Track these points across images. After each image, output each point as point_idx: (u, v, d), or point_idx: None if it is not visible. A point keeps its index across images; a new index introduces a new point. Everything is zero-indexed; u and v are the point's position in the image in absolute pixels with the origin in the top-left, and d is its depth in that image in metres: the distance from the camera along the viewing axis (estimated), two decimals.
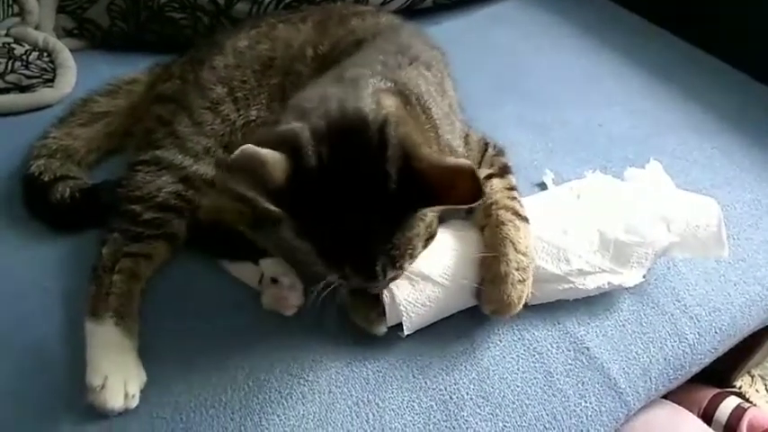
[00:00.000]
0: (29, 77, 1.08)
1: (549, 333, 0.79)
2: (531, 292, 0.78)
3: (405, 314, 0.74)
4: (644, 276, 0.81)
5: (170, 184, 0.82)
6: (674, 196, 0.86)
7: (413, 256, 0.67)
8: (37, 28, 1.17)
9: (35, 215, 0.88)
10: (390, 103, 0.67)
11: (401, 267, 0.67)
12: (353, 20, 0.93)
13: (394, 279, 0.71)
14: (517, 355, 0.77)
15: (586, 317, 0.81)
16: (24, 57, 1.09)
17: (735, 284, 0.86)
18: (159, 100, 0.92)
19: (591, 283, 0.80)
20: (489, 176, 0.81)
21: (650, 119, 1.08)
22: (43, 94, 1.06)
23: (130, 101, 0.97)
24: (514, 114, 1.09)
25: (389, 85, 0.72)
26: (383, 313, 0.75)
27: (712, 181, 0.96)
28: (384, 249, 0.63)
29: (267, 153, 0.60)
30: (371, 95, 0.67)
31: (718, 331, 0.83)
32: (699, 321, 0.83)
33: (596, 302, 0.82)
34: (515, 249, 0.74)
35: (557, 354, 0.78)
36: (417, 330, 0.76)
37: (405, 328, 0.75)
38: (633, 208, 0.82)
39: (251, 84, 0.88)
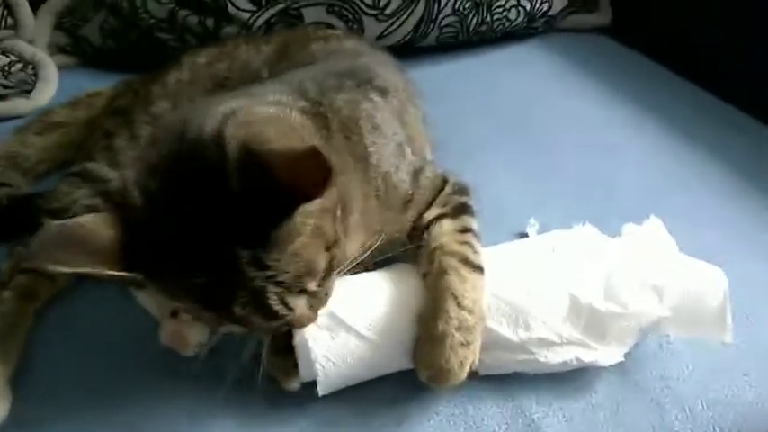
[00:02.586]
0: (6, 87, 1.05)
1: (499, 411, 0.65)
2: (480, 359, 0.65)
3: (320, 370, 0.62)
4: (624, 356, 0.67)
5: (87, 197, 0.74)
6: (673, 261, 0.71)
7: (313, 274, 0.56)
8: (32, 43, 1.16)
9: None
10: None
11: (306, 291, 0.56)
12: (315, 43, 0.87)
13: (314, 309, 0.59)
14: None
15: (548, 396, 0.67)
16: (6, 67, 1.08)
17: (745, 374, 0.70)
18: (111, 113, 0.87)
19: (555, 357, 0.66)
20: (439, 217, 0.70)
21: (662, 174, 0.95)
22: (16, 104, 1.04)
23: (89, 113, 0.93)
24: (509, 158, 0.98)
25: (303, 104, 0.64)
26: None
27: (726, 248, 0.80)
28: (265, 274, 0.52)
29: (77, 223, 0.53)
30: (231, 110, 0.57)
31: (718, 430, 0.66)
32: (693, 416, 0.66)
33: (563, 379, 0.67)
34: (458, 305, 0.62)
35: None
36: (338, 391, 0.65)
37: (319, 386, 0.63)
38: (618, 271, 0.69)
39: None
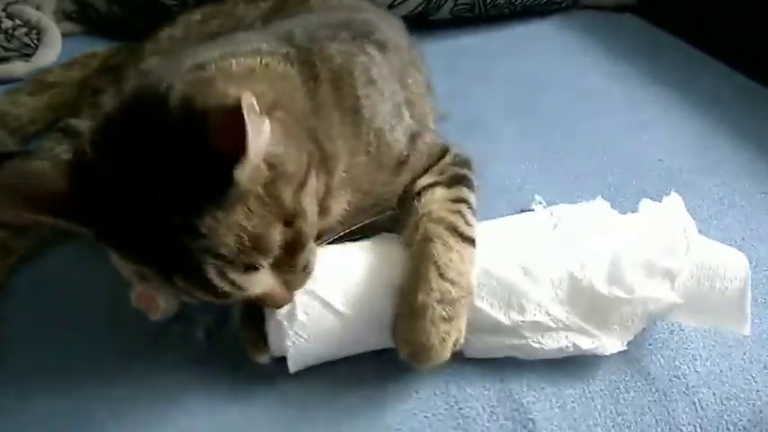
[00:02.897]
0: (7, 50, 1.04)
1: (486, 392, 0.60)
2: (467, 340, 0.60)
3: (291, 347, 0.58)
4: (626, 344, 0.61)
5: (67, 153, 0.71)
6: (690, 243, 0.65)
7: (263, 250, 0.50)
8: (39, 9, 1.15)
9: None
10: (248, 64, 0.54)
11: (255, 268, 0.50)
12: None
13: (289, 287, 0.55)
14: (433, 415, 0.58)
15: (541, 380, 0.61)
16: (10, 30, 1.06)
17: (764, 366, 0.63)
18: (103, 71, 0.85)
19: (550, 343, 0.60)
20: (433, 185, 0.65)
21: (685, 153, 0.87)
22: (15, 67, 1.02)
23: (83, 73, 0.90)
24: (519, 134, 0.93)
25: (286, 50, 0.59)
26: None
27: (751, 232, 0.73)
28: (200, 245, 0.47)
29: (37, 164, 0.50)
30: (197, 64, 0.53)
31: (731, 427, 0.60)
32: (703, 411, 0.60)
33: (558, 362, 0.61)
34: (440, 275, 0.57)
35: (488, 422, 0.58)
36: (312, 367, 0.60)
37: (289, 362, 0.59)
38: (626, 251, 0.62)
39: None
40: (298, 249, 0.54)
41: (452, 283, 0.57)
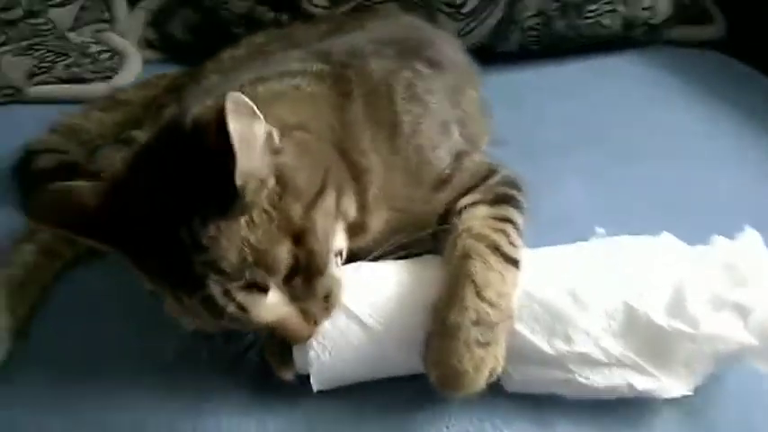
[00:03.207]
0: (92, 72, 1.10)
1: None
2: (506, 371, 0.54)
3: (314, 359, 0.55)
4: (693, 390, 0.54)
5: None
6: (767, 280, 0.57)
7: (269, 268, 0.48)
8: (123, 36, 1.22)
9: (17, 182, 0.84)
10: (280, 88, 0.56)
11: (260, 288, 0.49)
12: (374, 20, 0.83)
13: (308, 316, 0.53)
14: None
15: (589, 425, 0.55)
16: (95, 55, 1.13)
17: None
18: (169, 90, 0.88)
19: (600, 380, 0.54)
20: (476, 203, 0.61)
21: (765, 192, 0.79)
22: (96, 88, 1.08)
23: (153, 93, 0.94)
24: (583, 165, 0.87)
25: (320, 68, 0.60)
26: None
27: None
28: (204, 258, 0.47)
29: (72, 184, 0.53)
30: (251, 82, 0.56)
31: None
32: None
33: (611, 408, 0.55)
34: (478, 294, 0.52)
35: None
36: (337, 390, 0.56)
37: (312, 378, 0.55)
38: (692, 281, 0.56)
39: None
40: (314, 274, 0.51)
41: (491, 304, 0.53)
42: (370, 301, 0.56)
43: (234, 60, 0.83)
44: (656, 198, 0.81)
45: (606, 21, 1.12)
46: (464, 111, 0.70)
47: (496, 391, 0.55)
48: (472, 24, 1.06)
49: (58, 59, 1.09)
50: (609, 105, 1.02)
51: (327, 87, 0.59)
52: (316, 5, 1.08)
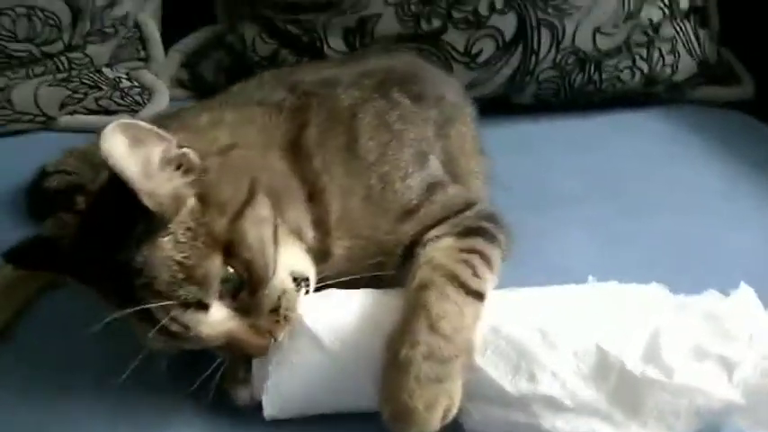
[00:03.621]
0: (118, 104, 1.16)
1: None
2: (466, 410, 0.51)
3: (269, 379, 0.53)
4: None
5: None
6: (758, 331, 0.52)
7: (195, 281, 0.48)
8: (157, 75, 1.28)
9: (26, 200, 0.89)
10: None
11: (192, 305, 0.49)
12: (374, 56, 0.85)
13: (256, 329, 0.52)
14: None
15: None
16: (126, 89, 1.18)
17: None
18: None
19: (565, 426, 0.50)
20: (442, 235, 0.59)
21: None
22: (120, 119, 1.12)
23: None
24: (587, 217, 0.85)
25: (282, 98, 0.64)
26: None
27: None
28: (140, 281, 0.48)
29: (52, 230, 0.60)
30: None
31: None
32: None
33: None
34: (430, 326, 0.50)
35: None
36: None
37: (265, 402, 0.53)
38: (671, 328, 0.52)
39: None
40: (256, 285, 0.51)
41: (445, 338, 0.50)
42: (333, 325, 0.55)
43: (241, 90, 0.86)
44: (661, 253, 0.78)
45: (626, 77, 1.11)
46: (452, 144, 0.69)
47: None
48: (486, 75, 1.07)
49: (91, 92, 1.14)
50: (624, 159, 1.00)
51: (285, 114, 0.62)
52: (335, 50, 1.11)
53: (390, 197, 0.61)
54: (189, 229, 0.49)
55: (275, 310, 0.52)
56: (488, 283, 0.56)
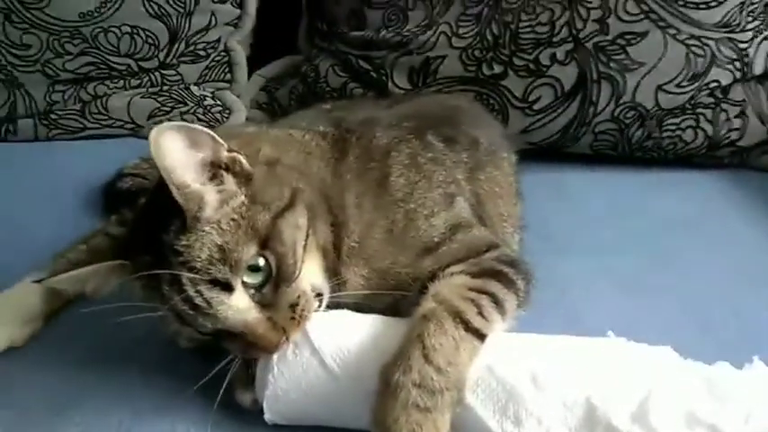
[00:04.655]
0: (200, 120, 1.26)
1: None
2: None
3: (271, 383, 0.57)
4: None
5: None
6: (756, 411, 0.51)
7: (235, 267, 0.54)
8: (239, 97, 1.39)
9: (102, 197, 0.99)
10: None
11: (222, 284, 0.54)
12: (431, 96, 0.92)
13: (274, 324, 0.56)
14: None
15: None
16: (209, 107, 1.29)
17: None
18: None
19: None
20: (457, 273, 0.62)
21: None
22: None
23: None
24: (622, 266, 0.85)
25: (327, 130, 0.70)
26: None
27: None
28: (178, 259, 0.54)
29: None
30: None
31: None
32: None
33: None
34: (425, 357, 0.53)
35: None
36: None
37: (265, 406, 0.58)
38: (665, 393, 0.52)
39: None
40: (282, 280, 0.56)
41: (438, 370, 0.53)
42: (336, 343, 0.58)
43: (296, 118, 0.92)
44: (688, 314, 0.77)
45: (688, 137, 1.09)
46: (482, 188, 0.72)
47: None
48: (542, 122, 1.09)
49: (177, 106, 1.26)
50: (670, 217, 0.98)
51: (326, 144, 0.68)
52: (399, 87, 1.17)
53: (413, 233, 0.64)
54: (233, 219, 0.56)
55: (293, 307, 0.57)
56: (495, 324, 0.58)
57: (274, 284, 0.56)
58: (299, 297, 0.57)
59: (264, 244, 0.56)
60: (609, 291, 0.81)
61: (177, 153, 0.54)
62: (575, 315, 0.75)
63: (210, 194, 0.56)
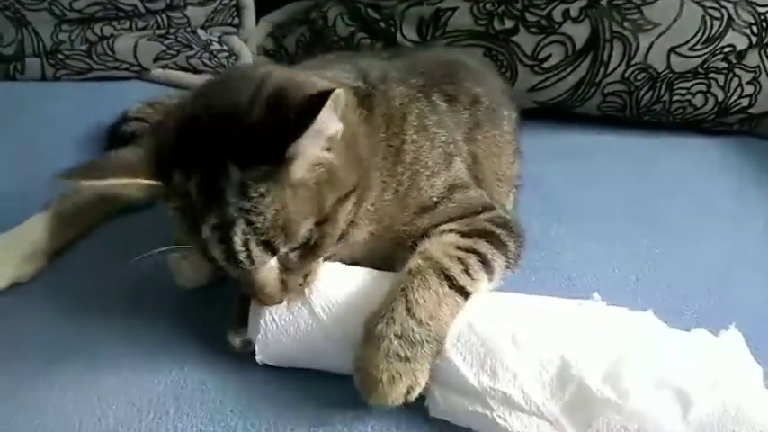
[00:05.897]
0: (206, 65, 1.26)
1: None
2: (431, 391, 0.55)
3: (262, 329, 0.59)
4: None
5: None
6: (727, 376, 0.53)
7: (287, 234, 0.52)
8: (246, 42, 1.38)
9: (105, 139, 0.99)
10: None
11: (271, 247, 0.52)
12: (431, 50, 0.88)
13: (285, 286, 0.56)
14: None
15: None
16: (215, 52, 1.28)
17: None
18: None
19: (517, 424, 0.53)
20: (447, 231, 0.62)
21: None
22: (204, 78, 1.22)
23: None
24: (613, 232, 0.85)
25: (358, 84, 0.65)
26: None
27: None
28: (241, 205, 0.50)
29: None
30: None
31: None
32: None
33: None
34: (408, 310, 0.55)
35: None
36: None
37: (257, 349, 0.60)
38: (637, 355, 0.54)
39: None
40: (312, 254, 0.56)
41: (420, 323, 0.54)
42: (326, 295, 0.60)
43: (302, 67, 0.91)
44: (678, 281, 0.77)
45: (698, 102, 1.07)
46: (480, 148, 0.72)
47: (419, 413, 0.57)
48: (551, 80, 1.07)
49: (183, 50, 1.25)
50: (672, 183, 0.98)
51: (359, 103, 0.63)
52: (407, 38, 1.15)
53: (414, 193, 0.64)
54: (309, 189, 0.53)
55: (306, 276, 0.58)
56: (480, 283, 0.59)
57: (303, 253, 0.56)
58: (315, 268, 0.58)
59: (320, 222, 0.55)
60: (601, 254, 0.81)
61: (324, 124, 0.51)
62: (566, 277, 0.76)
63: (310, 157, 0.53)
